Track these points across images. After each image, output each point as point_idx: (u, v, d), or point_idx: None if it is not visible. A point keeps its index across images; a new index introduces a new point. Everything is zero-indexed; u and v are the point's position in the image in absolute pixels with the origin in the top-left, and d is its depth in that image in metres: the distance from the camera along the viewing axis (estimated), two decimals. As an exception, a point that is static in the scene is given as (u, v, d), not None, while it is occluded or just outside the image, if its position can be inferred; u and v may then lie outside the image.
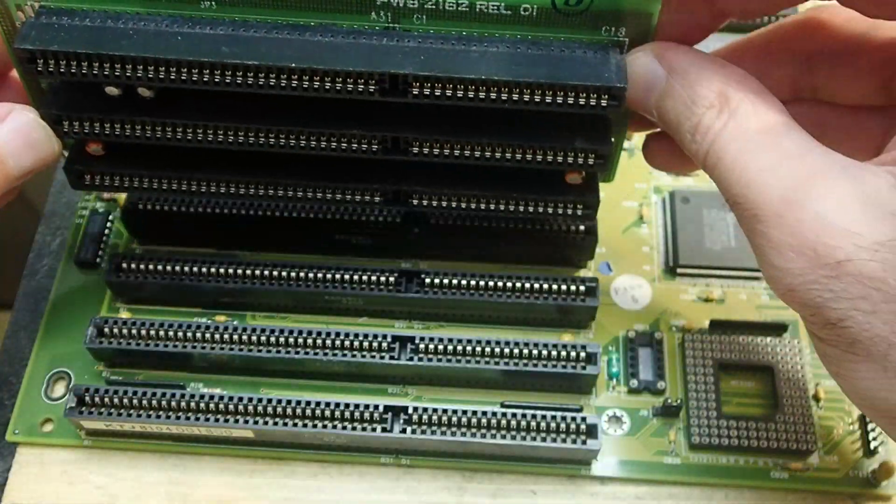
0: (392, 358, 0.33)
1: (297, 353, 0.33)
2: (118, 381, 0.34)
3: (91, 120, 0.29)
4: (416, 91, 0.27)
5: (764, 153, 0.24)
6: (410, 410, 0.31)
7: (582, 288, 0.34)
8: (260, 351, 0.33)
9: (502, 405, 0.33)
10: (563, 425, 0.31)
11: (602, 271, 0.37)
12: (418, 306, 0.35)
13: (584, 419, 0.31)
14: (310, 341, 0.33)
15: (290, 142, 0.29)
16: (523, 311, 0.34)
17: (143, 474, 0.33)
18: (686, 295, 0.37)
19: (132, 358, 0.34)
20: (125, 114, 0.29)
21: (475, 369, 0.33)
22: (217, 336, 0.33)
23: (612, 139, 0.30)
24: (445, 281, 0.34)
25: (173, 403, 0.31)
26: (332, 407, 0.31)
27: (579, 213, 0.32)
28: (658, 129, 0.30)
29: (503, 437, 0.31)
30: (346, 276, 0.34)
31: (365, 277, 0.34)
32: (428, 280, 0.34)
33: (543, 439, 0.31)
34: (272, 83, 0.27)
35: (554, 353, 0.32)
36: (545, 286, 0.34)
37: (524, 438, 0.31)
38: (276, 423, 0.31)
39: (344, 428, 0.31)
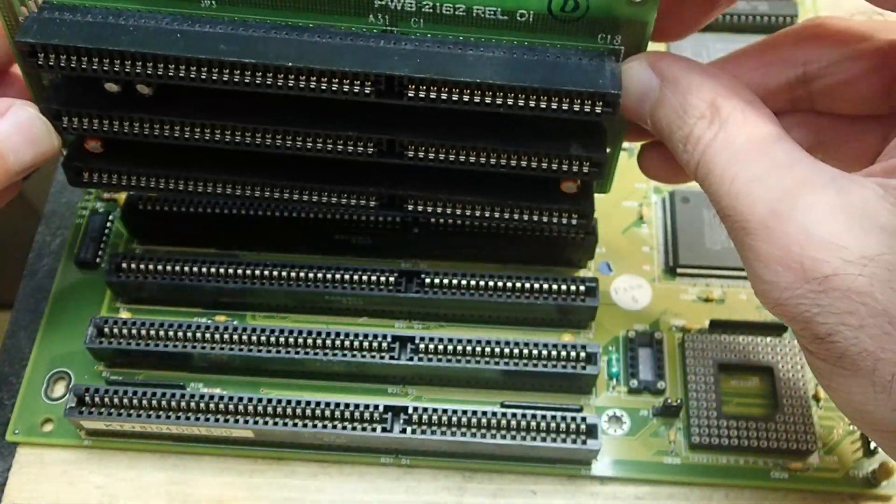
0: (392, 358, 0.33)
1: (297, 353, 0.33)
2: (118, 381, 0.34)
3: (90, 116, 0.29)
4: (411, 93, 0.27)
5: (753, 164, 0.24)
6: (410, 410, 0.31)
7: (582, 288, 0.34)
8: (260, 351, 0.33)
9: (502, 405, 0.33)
10: (563, 425, 0.31)
11: (602, 271, 0.37)
12: (418, 306, 0.35)
13: (584, 419, 0.31)
14: (310, 341, 0.33)
15: (286, 142, 0.29)
16: (523, 311, 0.35)
17: (143, 474, 0.33)
18: (686, 295, 0.37)
19: (132, 358, 0.34)
20: (124, 110, 0.29)
21: (475, 369, 0.33)
22: (217, 336, 0.33)
23: (608, 148, 0.30)
24: (445, 281, 0.34)
25: (173, 403, 0.31)
26: (332, 407, 0.31)
27: (574, 222, 0.32)
28: (654, 139, 0.30)
29: (503, 437, 0.31)
30: (346, 276, 0.34)
31: (365, 277, 0.34)
32: (428, 280, 0.34)
33: (543, 439, 0.31)
34: (268, 82, 0.27)
35: (554, 353, 0.32)
36: (545, 286, 0.34)
37: (524, 438, 0.31)
38: (276, 423, 0.31)
39: (344, 428, 0.31)
